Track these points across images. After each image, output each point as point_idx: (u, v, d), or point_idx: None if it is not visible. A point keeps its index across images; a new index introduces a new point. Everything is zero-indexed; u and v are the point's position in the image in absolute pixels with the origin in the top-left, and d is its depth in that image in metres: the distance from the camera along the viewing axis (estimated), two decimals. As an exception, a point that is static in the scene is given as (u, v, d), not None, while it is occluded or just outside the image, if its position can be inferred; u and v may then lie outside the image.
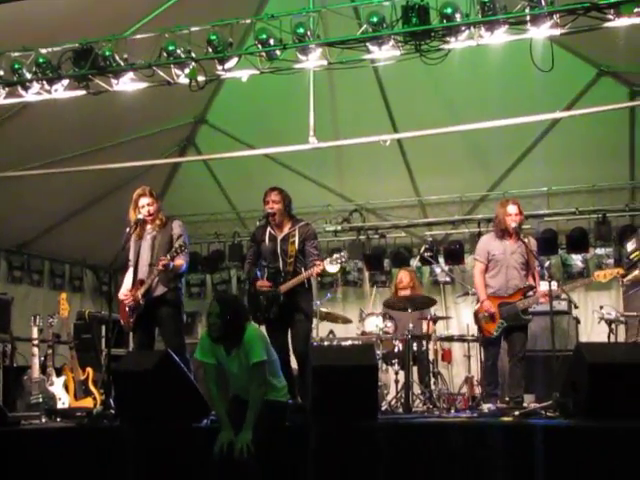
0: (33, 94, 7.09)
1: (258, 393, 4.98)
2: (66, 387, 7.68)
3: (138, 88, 7.12)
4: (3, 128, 8.25)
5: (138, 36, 6.93)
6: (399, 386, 7.38)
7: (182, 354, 6.11)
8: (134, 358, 6.30)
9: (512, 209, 6.81)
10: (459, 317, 9.99)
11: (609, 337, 7.49)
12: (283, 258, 6.39)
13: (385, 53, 6.39)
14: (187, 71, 6.72)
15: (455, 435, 5.02)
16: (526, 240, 6.81)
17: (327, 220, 10.82)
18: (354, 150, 9.30)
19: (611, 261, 9.92)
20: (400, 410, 6.98)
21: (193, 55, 6.64)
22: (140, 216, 6.51)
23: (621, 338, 7.80)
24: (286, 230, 6.47)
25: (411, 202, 10.70)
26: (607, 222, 9.89)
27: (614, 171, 9.70)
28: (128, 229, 6.53)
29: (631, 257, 8.53)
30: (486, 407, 6.43)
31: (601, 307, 7.74)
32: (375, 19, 6.16)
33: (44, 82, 6.97)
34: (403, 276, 8.76)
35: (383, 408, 6.92)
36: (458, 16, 6.02)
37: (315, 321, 7.71)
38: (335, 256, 6.38)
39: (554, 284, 6.45)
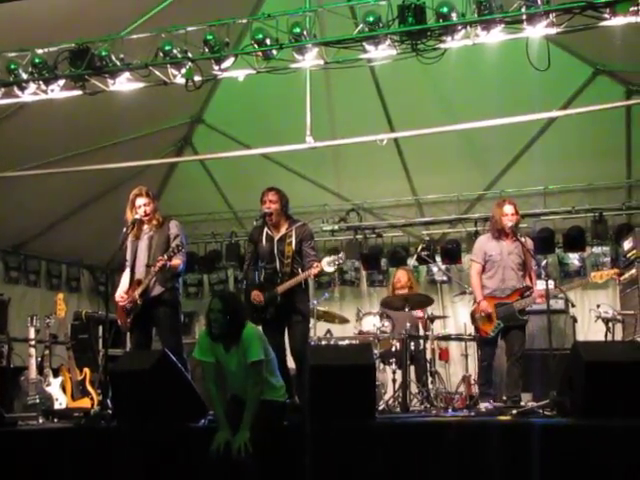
0: (29, 94, 7.08)
1: (255, 392, 4.98)
2: (63, 388, 7.66)
3: (135, 88, 7.12)
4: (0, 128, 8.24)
5: (134, 36, 6.94)
6: (396, 385, 7.38)
7: (179, 354, 6.10)
8: (131, 358, 6.30)
9: (508, 209, 6.81)
10: (456, 316, 9.99)
11: (606, 336, 7.50)
12: (280, 259, 6.38)
13: (381, 52, 6.41)
14: (183, 71, 6.72)
15: (452, 434, 5.02)
16: (523, 240, 6.82)
17: (324, 220, 10.82)
18: (351, 150, 9.31)
19: (608, 260, 9.95)
20: (398, 409, 6.98)
21: (189, 55, 6.64)
22: (137, 216, 6.51)
23: (618, 337, 7.82)
24: (283, 230, 6.46)
25: (408, 201, 10.71)
26: (604, 221, 9.90)
27: (611, 170, 9.71)
28: (125, 229, 6.52)
29: (628, 256, 8.53)
30: (483, 406, 6.44)
31: (598, 306, 7.74)
32: (371, 18, 6.16)
33: (40, 82, 6.96)
34: (400, 275, 8.76)
35: (381, 407, 6.92)
36: (454, 15, 6.03)
37: (312, 321, 7.70)
38: (332, 257, 6.38)
39: (551, 283, 6.44)
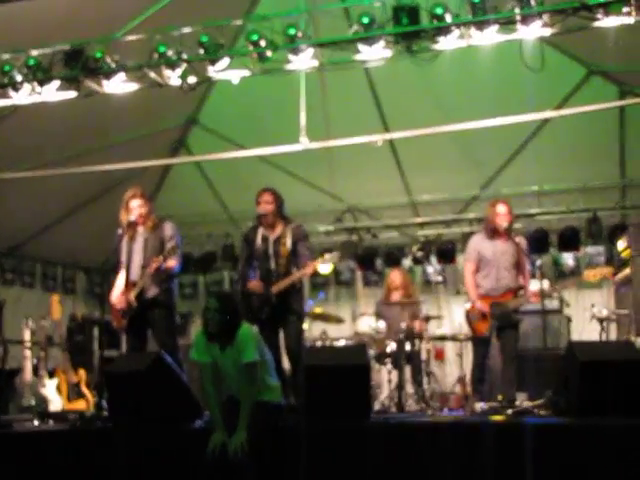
0: (24, 96, 7.07)
1: (250, 393, 4.98)
2: (59, 389, 7.67)
3: (129, 90, 7.12)
4: (-6, 130, 8.25)
5: (129, 37, 6.94)
6: (392, 386, 7.39)
7: (175, 355, 6.10)
8: (127, 360, 6.30)
9: (502, 209, 6.82)
10: (451, 316, 10.00)
11: (601, 335, 7.51)
12: (275, 259, 6.38)
13: (376, 53, 6.41)
14: (178, 72, 6.72)
15: (447, 434, 5.03)
16: (517, 240, 6.83)
17: (319, 220, 10.83)
18: (346, 150, 9.27)
19: (602, 259, 9.98)
20: (393, 410, 6.99)
21: (184, 56, 6.64)
22: (131, 218, 6.50)
23: (613, 336, 7.83)
24: (278, 231, 6.46)
25: (403, 202, 10.72)
26: (598, 220, 9.93)
27: (604, 170, 9.75)
28: (120, 231, 6.52)
29: (622, 255, 8.56)
30: (478, 406, 6.45)
31: (592, 305, 7.74)
32: (366, 20, 6.19)
33: (35, 84, 6.96)
34: (395, 276, 8.74)
35: (376, 408, 6.92)
36: (448, 16, 6.05)
37: (307, 321, 7.71)
38: (326, 257, 6.39)
39: (545, 283, 6.45)
